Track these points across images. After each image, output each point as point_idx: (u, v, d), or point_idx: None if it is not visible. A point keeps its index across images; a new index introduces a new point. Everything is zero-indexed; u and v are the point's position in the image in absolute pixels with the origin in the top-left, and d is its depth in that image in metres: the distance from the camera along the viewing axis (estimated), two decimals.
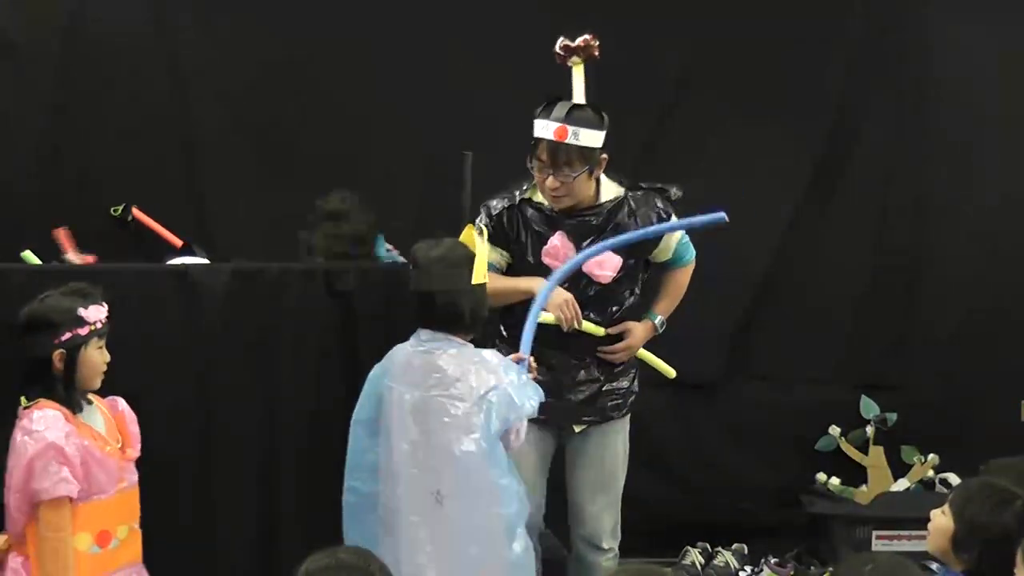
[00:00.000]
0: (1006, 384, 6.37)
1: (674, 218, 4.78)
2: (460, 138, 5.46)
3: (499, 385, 4.08)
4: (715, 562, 6.14)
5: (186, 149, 6.11)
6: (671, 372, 4.98)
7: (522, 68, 6.23)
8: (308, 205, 6.08)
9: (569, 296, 4.58)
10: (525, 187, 4.76)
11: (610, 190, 4.72)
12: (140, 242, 5.95)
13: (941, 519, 3.64)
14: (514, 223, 4.71)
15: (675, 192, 4.82)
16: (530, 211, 4.72)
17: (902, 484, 6.33)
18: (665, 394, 6.37)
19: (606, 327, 4.76)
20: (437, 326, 4.20)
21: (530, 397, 4.14)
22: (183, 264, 5.02)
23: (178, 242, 5.91)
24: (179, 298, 4.57)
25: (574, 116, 4.56)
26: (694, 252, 4.98)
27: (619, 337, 4.81)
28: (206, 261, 5.57)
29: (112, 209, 5.94)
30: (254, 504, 4.66)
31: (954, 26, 6.39)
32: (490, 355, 4.18)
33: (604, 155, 4.64)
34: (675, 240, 4.89)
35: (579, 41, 4.73)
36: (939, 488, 6.26)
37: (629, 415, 4.96)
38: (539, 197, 4.71)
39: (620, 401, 4.87)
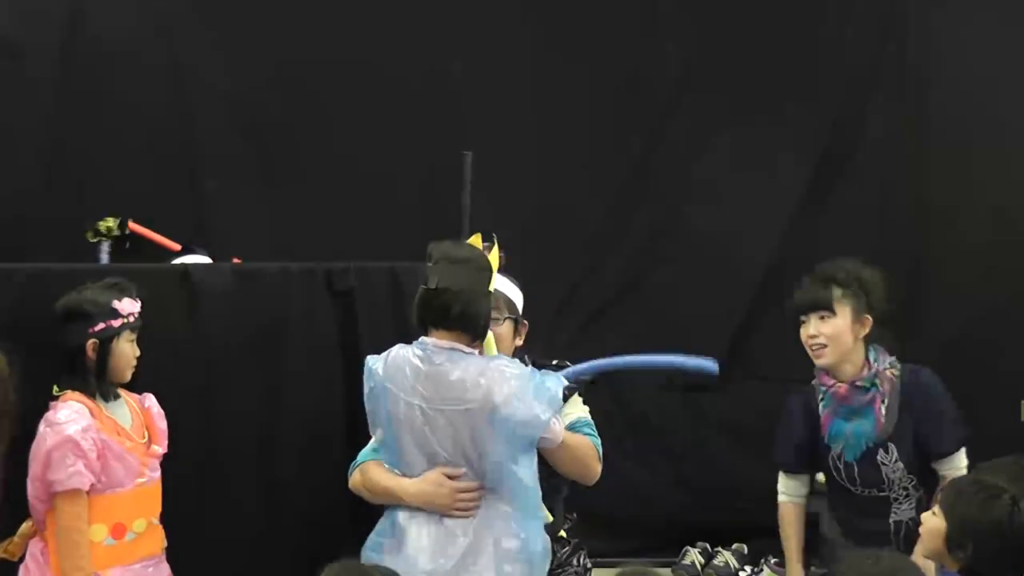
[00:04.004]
0: (1006, 384, 6.37)
1: (576, 396, 4.39)
2: (460, 138, 5.47)
3: (511, 398, 3.91)
4: (715, 562, 6.14)
5: (186, 149, 6.12)
6: (548, 516, 4.38)
7: (523, 68, 6.25)
8: (308, 205, 6.10)
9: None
10: None
11: None
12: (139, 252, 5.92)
13: (933, 520, 3.64)
14: None
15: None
16: None
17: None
18: (665, 394, 6.39)
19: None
20: (448, 329, 3.98)
21: (547, 400, 3.93)
22: (184, 264, 5.03)
23: (176, 246, 5.89)
24: (180, 298, 4.58)
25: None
26: (599, 442, 4.34)
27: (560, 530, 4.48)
28: (207, 259, 5.57)
29: (105, 227, 5.88)
30: (255, 502, 4.66)
31: (955, 26, 6.39)
32: (503, 363, 3.99)
33: (525, 322, 4.40)
34: (570, 417, 4.34)
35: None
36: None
37: None
38: None
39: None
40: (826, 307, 4.70)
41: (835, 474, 4.78)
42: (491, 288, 4.03)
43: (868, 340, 4.73)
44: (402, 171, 6.18)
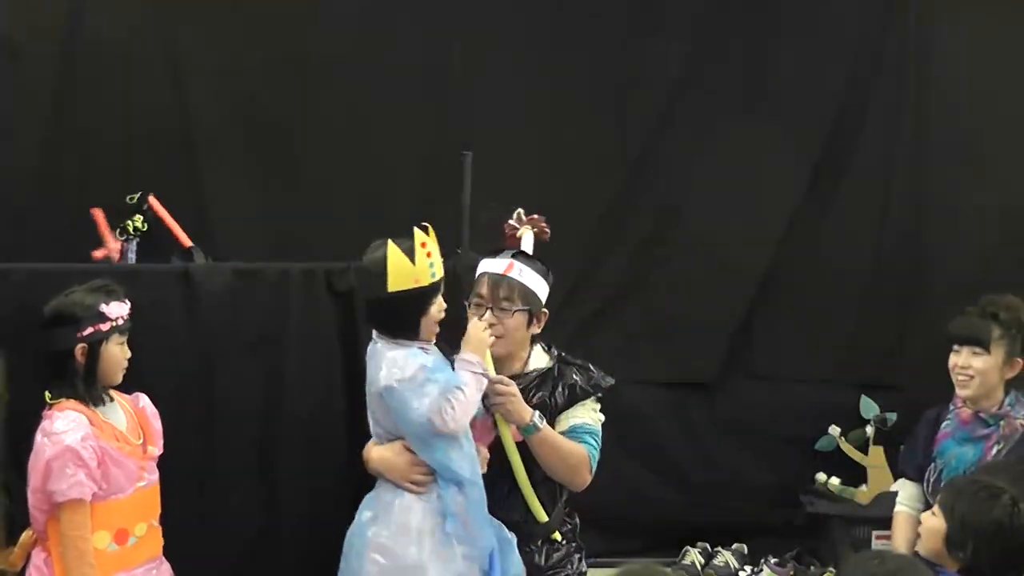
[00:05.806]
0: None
1: (591, 400, 4.42)
2: (460, 138, 5.47)
3: (392, 387, 4.10)
4: (715, 562, 6.14)
5: (186, 149, 6.11)
6: (543, 516, 4.43)
7: (523, 67, 6.25)
8: (308, 205, 6.09)
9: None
10: None
11: (539, 360, 4.44)
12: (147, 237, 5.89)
13: (932, 520, 3.65)
14: None
15: (603, 377, 4.44)
16: None
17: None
18: (665, 393, 6.39)
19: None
20: (373, 325, 4.27)
21: (429, 394, 4.08)
22: (184, 264, 5.03)
23: (187, 242, 5.85)
24: (180, 298, 4.58)
25: (521, 258, 4.41)
26: (596, 453, 4.39)
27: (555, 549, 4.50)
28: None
29: (128, 197, 5.85)
30: (255, 503, 4.67)
31: (955, 26, 6.39)
32: (400, 354, 4.13)
33: (545, 310, 4.42)
34: (576, 420, 4.42)
35: (533, 216, 4.64)
36: None
37: None
38: None
39: None
40: (982, 344, 4.81)
41: (925, 487, 4.90)
42: (395, 287, 4.12)
43: (1012, 382, 4.81)
44: (402, 171, 6.17)
